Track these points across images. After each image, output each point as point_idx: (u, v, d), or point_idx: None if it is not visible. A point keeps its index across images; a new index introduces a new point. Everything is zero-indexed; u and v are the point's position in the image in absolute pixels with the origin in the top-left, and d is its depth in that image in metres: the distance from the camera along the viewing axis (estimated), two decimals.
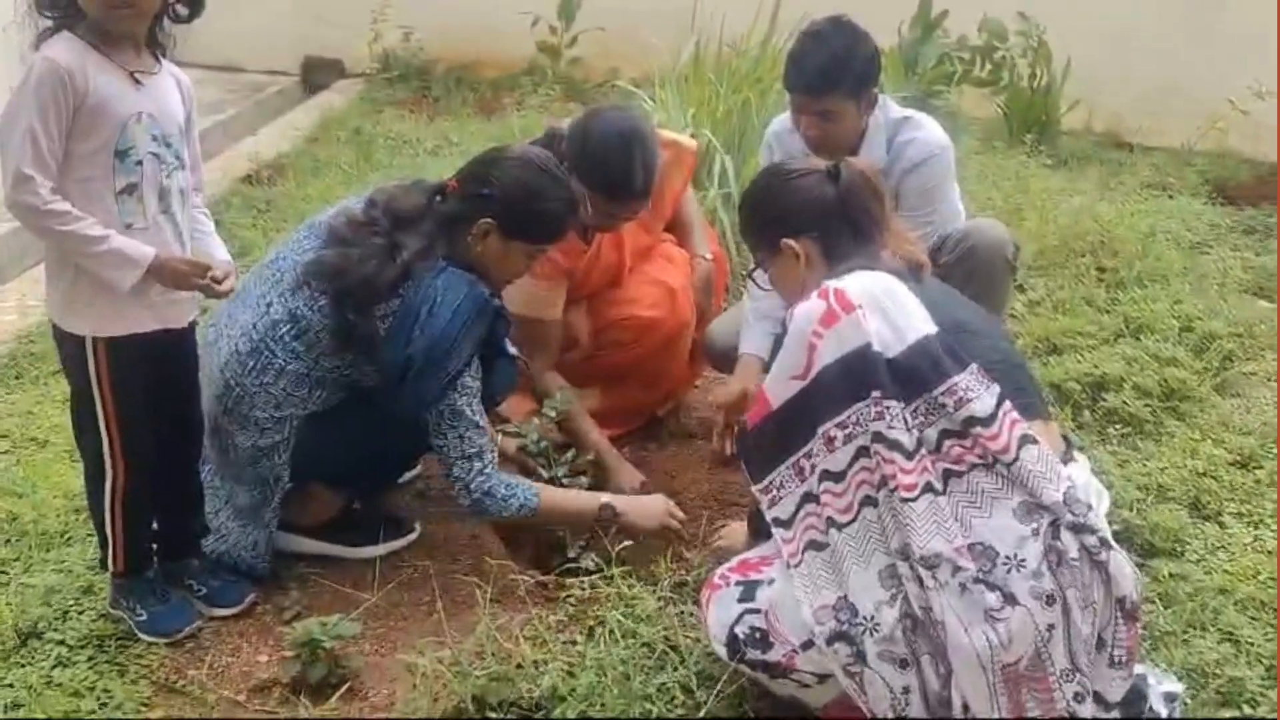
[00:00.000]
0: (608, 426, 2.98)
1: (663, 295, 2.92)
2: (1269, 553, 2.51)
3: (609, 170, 2.57)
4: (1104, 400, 3.11)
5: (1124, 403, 3.08)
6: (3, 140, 1.88)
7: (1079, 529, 1.74)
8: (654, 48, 5.95)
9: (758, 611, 1.86)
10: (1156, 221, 4.51)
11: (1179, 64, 5.61)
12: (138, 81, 1.96)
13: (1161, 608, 2.28)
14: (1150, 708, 1.94)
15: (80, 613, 2.20)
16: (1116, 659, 1.76)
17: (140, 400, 2.06)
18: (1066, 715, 1.73)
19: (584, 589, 2.23)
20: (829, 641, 1.76)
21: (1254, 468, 2.85)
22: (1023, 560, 1.72)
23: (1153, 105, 5.66)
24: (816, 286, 1.91)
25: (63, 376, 3.04)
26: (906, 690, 1.73)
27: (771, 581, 1.88)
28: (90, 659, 2.09)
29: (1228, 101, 5.11)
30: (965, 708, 1.70)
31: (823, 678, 1.83)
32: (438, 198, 2.28)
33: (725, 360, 3.06)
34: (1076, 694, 1.73)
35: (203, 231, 2.19)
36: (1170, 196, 4.99)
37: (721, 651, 1.90)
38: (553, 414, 2.59)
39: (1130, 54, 5.73)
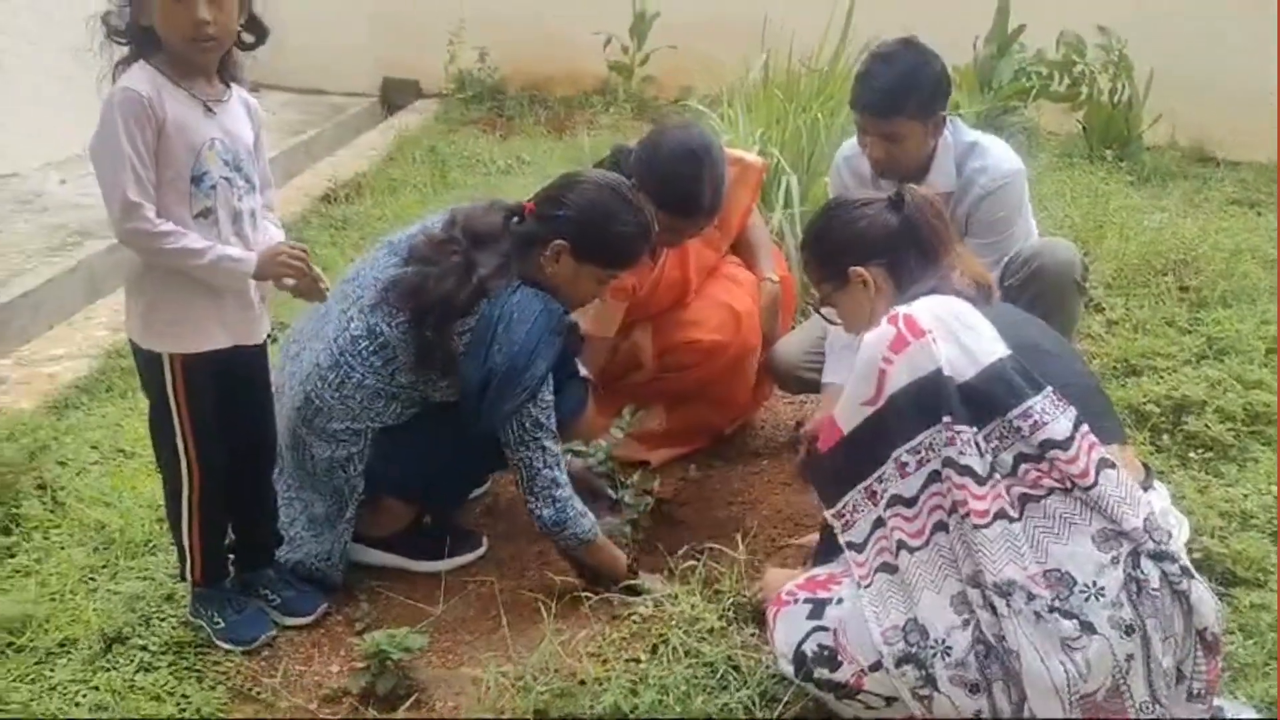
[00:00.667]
0: (673, 444, 2.99)
1: (728, 318, 2.91)
2: None
3: (675, 186, 2.58)
4: (1185, 424, 3.02)
5: (1206, 426, 2.99)
6: (100, 172, 1.96)
7: (1160, 557, 1.71)
8: (726, 67, 6.00)
9: (826, 630, 1.85)
10: (1242, 239, 4.38)
11: (1266, 76, 5.44)
12: (210, 110, 2.03)
13: (1242, 639, 2.21)
14: None
15: (162, 620, 2.27)
16: (1195, 691, 1.72)
17: (214, 414, 2.13)
18: None
19: (647, 607, 2.24)
20: (898, 663, 1.75)
21: None
22: (1102, 588, 1.68)
23: (1239, 119, 5.50)
24: (886, 313, 1.91)
25: None
26: (978, 715, 1.71)
27: (840, 600, 1.87)
28: (171, 665, 2.16)
29: None
30: None
31: (889, 700, 1.81)
32: (515, 219, 2.32)
33: (790, 380, 3.06)
34: None
35: (274, 239, 2.25)
36: (1259, 213, 4.84)
37: (787, 669, 1.90)
38: (621, 433, 2.60)
39: (1214, 66, 5.58)
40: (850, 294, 2.08)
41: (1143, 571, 1.69)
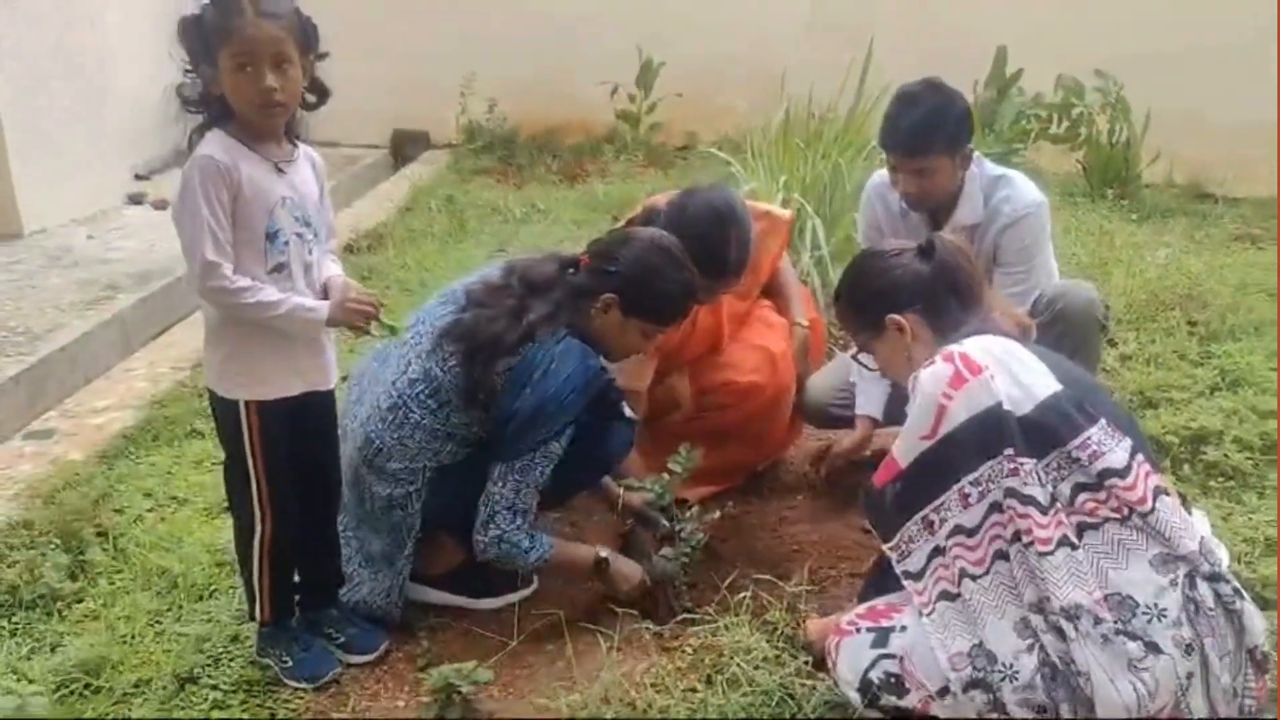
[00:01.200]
0: (709, 483, 3.07)
1: (763, 360, 3.01)
2: None
3: (704, 247, 2.64)
4: (1204, 454, 3.12)
5: (1225, 455, 3.09)
6: (181, 234, 2.06)
7: (1214, 579, 1.80)
8: (731, 111, 6.17)
9: (893, 657, 1.93)
10: (1246, 274, 4.52)
11: (1259, 112, 5.61)
12: (280, 170, 2.13)
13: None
14: None
15: (231, 660, 2.34)
16: (1247, 709, 1.80)
17: (287, 458, 2.22)
18: None
19: (702, 638, 2.32)
20: (965, 689, 1.82)
21: None
22: (1164, 610, 1.77)
23: (1234, 155, 5.66)
24: (925, 357, 2.00)
25: (196, 439, 3.30)
26: None
27: (904, 628, 1.95)
28: (243, 703, 2.23)
29: None
30: None
31: None
32: (569, 270, 2.43)
33: (821, 417, 3.15)
34: None
35: (337, 273, 2.34)
36: (1260, 248, 4.98)
37: (854, 696, 1.96)
38: (679, 469, 2.68)
39: (1209, 105, 5.75)
40: (887, 342, 2.15)
41: (1199, 592, 1.78)
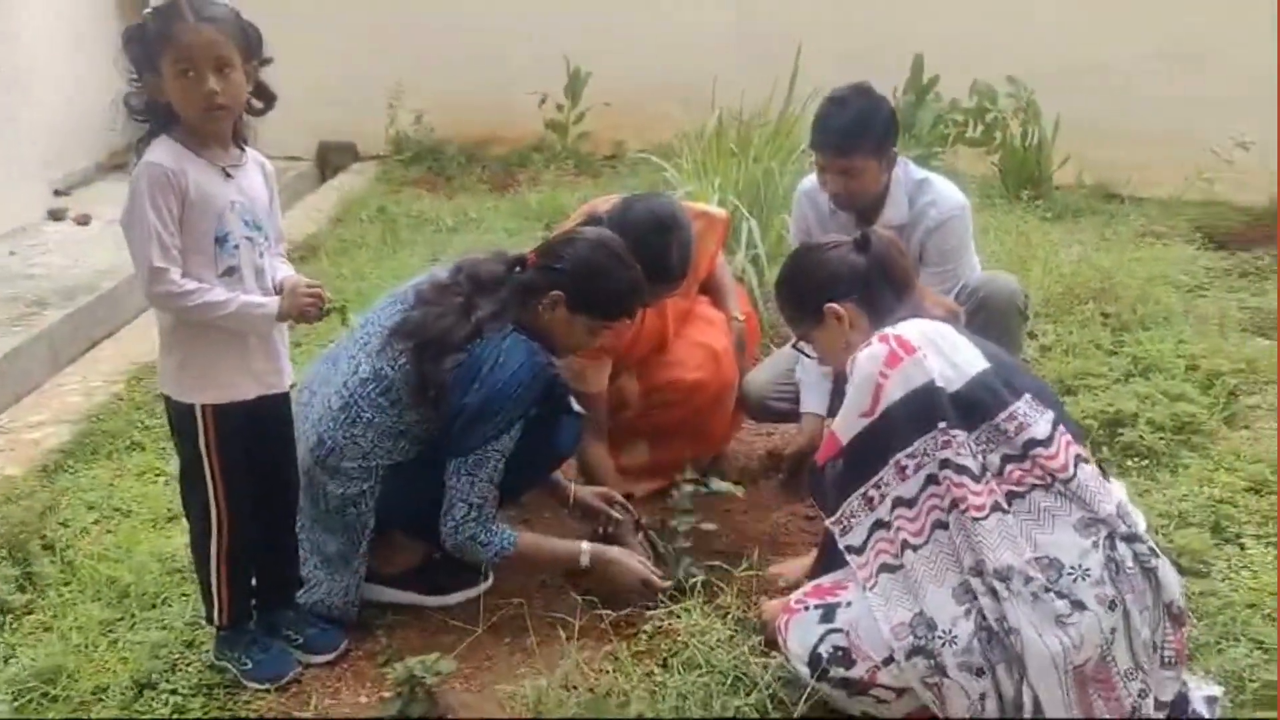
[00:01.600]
0: (655, 478, 3.15)
1: (707, 357, 3.10)
2: None
3: (647, 254, 2.68)
4: (1121, 435, 3.29)
5: (1140, 437, 3.26)
6: (130, 242, 2.08)
7: (1131, 539, 1.94)
8: (659, 120, 6.27)
9: (839, 631, 2.02)
10: (1154, 268, 4.74)
11: (1163, 119, 5.90)
12: (228, 174, 2.16)
13: (1196, 620, 2.44)
14: (1193, 710, 2.09)
15: (187, 664, 2.35)
16: (1167, 659, 1.93)
17: (244, 461, 2.24)
18: (1131, 710, 1.89)
19: (657, 623, 2.39)
20: (908, 656, 1.92)
21: (1268, 493, 3.02)
22: (1087, 570, 1.90)
23: (1140, 158, 5.93)
24: (861, 343, 2.11)
25: (136, 451, 3.28)
26: (983, 696, 1.89)
27: (849, 604, 2.05)
28: (203, 706, 2.24)
29: (1212, 152, 5.37)
30: (1036, 707, 1.86)
31: (900, 692, 1.98)
32: (517, 268, 2.48)
33: (760, 409, 3.25)
34: (1141, 690, 1.91)
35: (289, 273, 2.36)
36: (1165, 244, 5.23)
37: (804, 671, 2.05)
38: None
39: (1116, 110, 6.01)
40: (826, 330, 2.27)
41: (1119, 553, 1.92)
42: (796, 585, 2.32)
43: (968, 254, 3.10)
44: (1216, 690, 2.17)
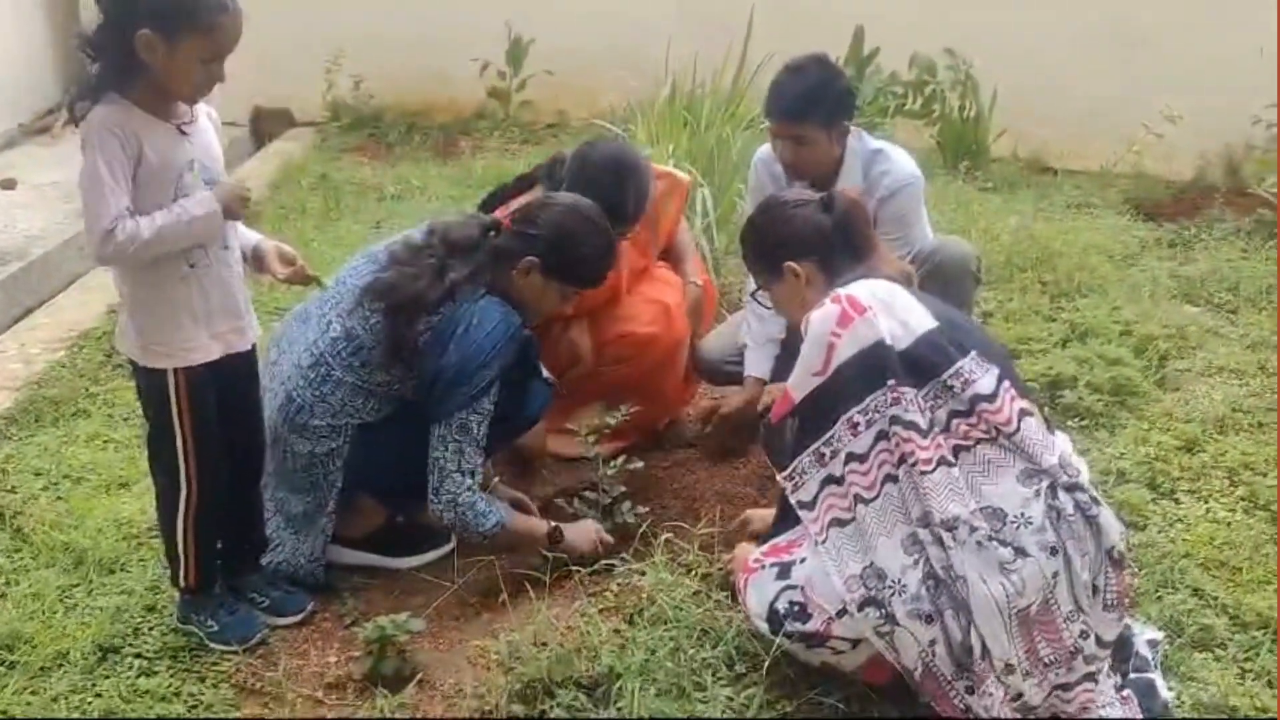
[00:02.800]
0: (612, 441, 3.17)
1: (659, 313, 3.13)
2: (1218, 522, 2.81)
3: (602, 192, 2.73)
4: (1062, 397, 3.41)
5: (1079, 399, 3.38)
6: (84, 206, 2.01)
7: (1072, 488, 2.03)
8: (603, 89, 6.26)
9: (795, 587, 2.08)
10: (1088, 238, 4.89)
11: (1095, 93, 6.05)
12: (183, 132, 2.09)
13: (1137, 570, 2.55)
14: (1137, 653, 2.21)
15: (150, 628, 2.33)
16: (1109, 602, 2.03)
17: (212, 423, 2.21)
18: (1073, 649, 1.99)
19: (623, 581, 2.43)
20: (860, 607, 1.99)
21: (1198, 451, 3.17)
22: (1029, 518, 1.98)
23: (1072, 132, 6.09)
24: (817, 302, 2.16)
25: (83, 418, 3.22)
26: (933, 643, 1.96)
27: (804, 560, 2.11)
28: (169, 668, 2.22)
29: (1142, 126, 5.54)
30: (985, 651, 1.94)
31: (855, 643, 2.05)
32: (491, 232, 2.48)
33: (716, 373, 3.30)
34: (1082, 632, 2.00)
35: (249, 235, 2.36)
36: (1097, 215, 5.39)
37: (763, 627, 2.11)
38: (614, 422, 2.78)
39: (1050, 85, 6.15)
40: (784, 285, 2.32)
41: (1060, 501, 2.01)
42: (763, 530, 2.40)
43: (920, 224, 3.17)
44: (1157, 635, 2.29)
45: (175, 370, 2.15)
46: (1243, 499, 2.92)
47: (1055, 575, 1.98)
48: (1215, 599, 2.47)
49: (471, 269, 2.40)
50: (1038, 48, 6.23)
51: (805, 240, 2.30)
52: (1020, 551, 1.97)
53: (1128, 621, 2.23)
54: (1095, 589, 2.04)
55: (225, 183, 2.16)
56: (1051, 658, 1.99)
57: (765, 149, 3.22)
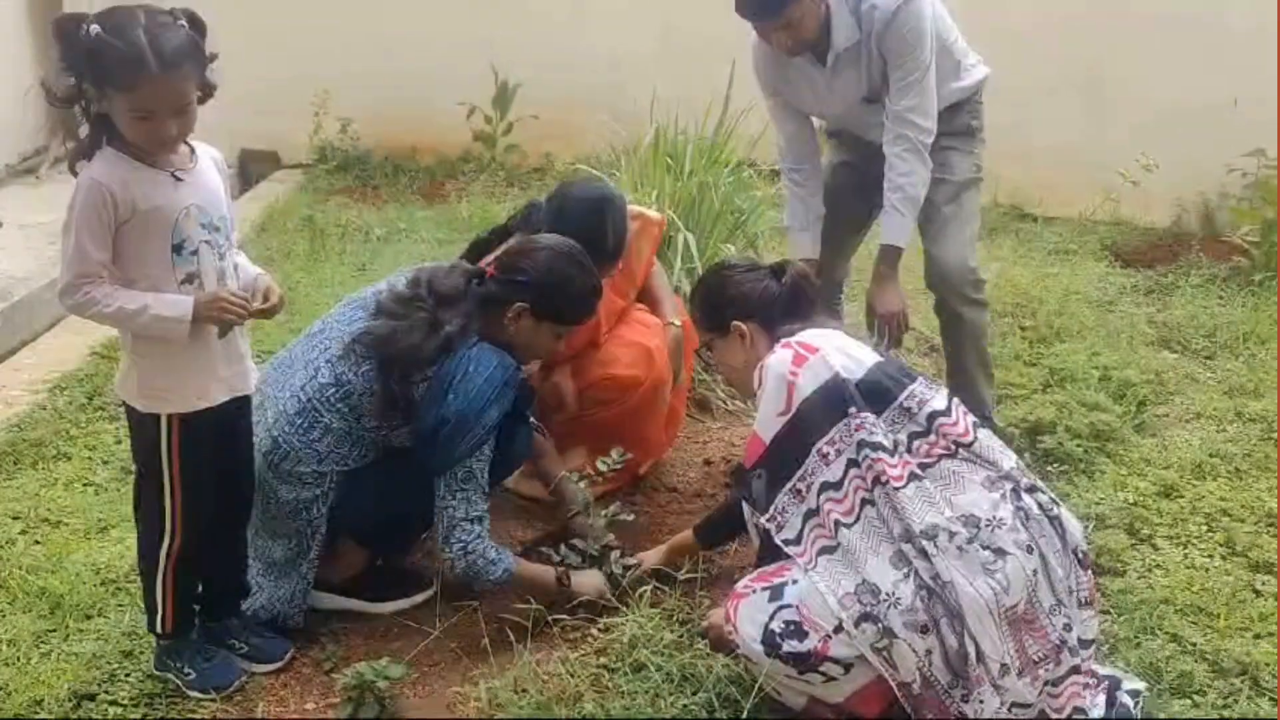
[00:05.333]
0: (595, 486, 3.18)
1: (640, 355, 3.14)
2: (1197, 568, 2.83)
3: (581, 232, 2.74)
4: (1041, 442, 3.43)
5: (1059, 444, 3.40)
6: (64, 246, 2.03)
7: (1032, 489, 2.15)
8: (587, 133, 6.32)
9: (789, 606, 2.11)
10: (1068, 284, 4.95)
11: (1072, 143, 6.15)
12: (178, 178, 2.07)
13: (1115, 616, 2.57)
14: (1120, 703, 2.21)
15: (126, 675, 2.31)
16: (1083, 600, 2.13)
17: (204, 468, 2.20)
18: (1058, 643, 2.06)
19: (605, 627, 2.42)
20: (857, 623, 2.03)
21: (1176, 497, 3.19)
22: (1001, 519, 2.07)
23: (1050, 180, 6.18)
24: (758, 361, 2.29)
25: (63, 461, 3.21)
26: (929, 652, 2.01)
27: (796, 581, 2.14)
28: (145, 715, 2.21)
29: (1119, 174, 5.63)
30: (979, 656, 1.99)
31: (847, 668, 2.06)
32: (476, 281, 2.49)
33: None
34: (1065, 625, 2.07)
35: (256, 272, 2.31)
36: (1076, 262, 5.45)
37: (757, 649, 2.12)
38: (605, 468, 2.78)
39: (1027, 131, 6.24)
40: (729, 343, 2.48)
41: (1024, 502, 2.12)
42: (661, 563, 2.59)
43: (929, 40, 3.00)
44: (1139, 684, 2.30)
45: (169, 416, 2.14)
46: (1220, 544, 2.94)
47: (1034, 572, 2.07)
48: (1194, 645, 2.48)
49: (464, 319, 2.40)
50: (1014, 97, 6.33)
51: (753, 302, 2.46)
52: (1000, 552, 2.05)
53: (1113, 673, 2.25)
54: (1069, 588, 2.12)
55: (214, 292, 2.11)
56: (1040, 654, 2.06)
57: (755, 36, 3.12)
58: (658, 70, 6.36)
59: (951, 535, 2.04)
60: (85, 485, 3.10)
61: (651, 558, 2.69)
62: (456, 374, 2.34)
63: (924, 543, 2.03)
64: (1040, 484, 2.20)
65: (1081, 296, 4.84)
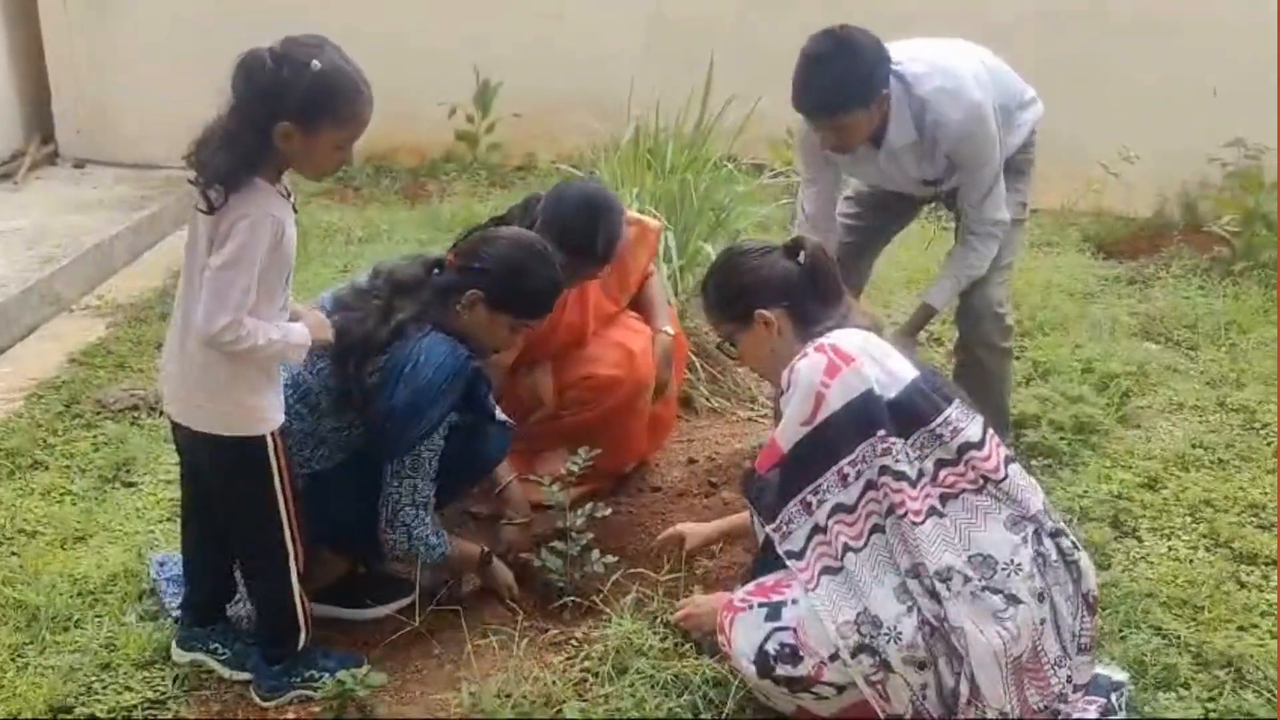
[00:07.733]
0: (578, 485, 3.16)
1: (623, 356, 3.12)
2: (1180, 560, 2.83)
3: (573, 230, 2.76)
4: (1025, 436, 3.43)
5: (1043, 437, 3.41)
6: (218, 283, 1.98)
7: (1056, 534, 2.05)
8: (570, 132, 6.29)
9: (786, 628, 2.06)
10: (1050, 276, 4.95)
11: (1053, 133, 6.14)
12: (294, 208, 2.10)
13: (1101, 611, 2.55)
14: (1103, 694, 2.20)
15: (104, 687, 2.28)
16: (1083, 645, 2.06)
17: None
18: (1059, 694, 2.01)
19: (587, 631, 2.41)
20: (854, 654, 1.98)
21: (1160, 488, 3.20)
22: (1019, 564, 1.99)
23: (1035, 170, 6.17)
24: (787, 351, 2.16)
25: (39, 470, 3.16)
26: (924, 687, 1.97)
27: (795, 601, 2.09)
28: None
29: (1100, 165, 5.63)
30: (973, 693, 1.94)
31: (840, 689, 2.04)
32: (435, 270, 2.48)
33: None
34: (1068, 677, 2.02)
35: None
36: (1058, 254, 5.46)
37: (749, 669, 2.09)
38: (575, 469, 2.75)
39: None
40: (753, 335, 2.30)
41: (1045, 547, 2.03)
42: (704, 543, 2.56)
43: (996, 147, 2.97)
44: (1122, 677, 2.29)
45: (273, 434, 2.16)
46: (1204, 536, 2.95)
47: (1043, 621, 2.00)
48: (1178, 638, 2.48)
49: (418, 308, 2.39)
50: None
51: (776, 287, 2.27)
52: (1012, 599, 1.98)
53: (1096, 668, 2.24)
54: (1074, 634, 2.06)
55: (314, 314, 2.25)
56: (1040, 705, 2.01)
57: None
58: (640, 68, 6.36)
59: (966, 580, 1.97)
60: (63, 495, 3.06)
61: (696, 536, 2.63)
62: (406, 363, 2.33)
63: (936, 584, 1.96)
64: (1064, 527, 2.10)
65: (1064, 289, 4.84)
